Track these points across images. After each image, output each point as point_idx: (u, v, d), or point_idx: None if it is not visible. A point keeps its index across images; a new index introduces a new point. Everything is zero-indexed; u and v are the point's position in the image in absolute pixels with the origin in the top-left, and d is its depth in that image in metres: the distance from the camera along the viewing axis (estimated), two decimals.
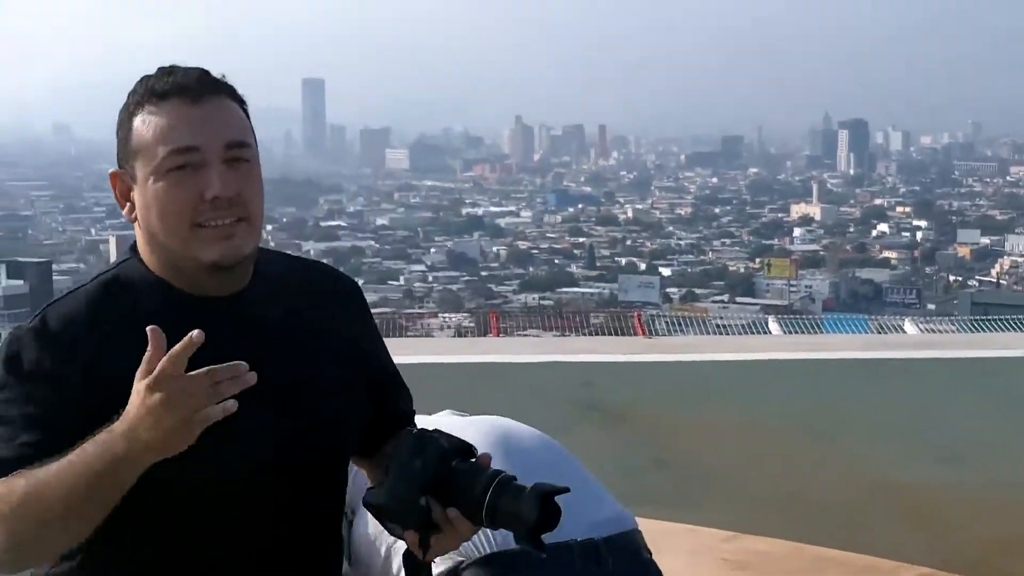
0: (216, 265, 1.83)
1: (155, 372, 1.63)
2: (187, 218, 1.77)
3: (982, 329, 13.80)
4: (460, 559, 2.58)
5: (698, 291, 67.25)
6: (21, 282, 54.79)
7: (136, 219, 1.87)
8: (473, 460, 1.87)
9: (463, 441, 1.90)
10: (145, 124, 1.83)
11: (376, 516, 1.93)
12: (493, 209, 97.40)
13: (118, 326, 1.72)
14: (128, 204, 1.88)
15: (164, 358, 1.63)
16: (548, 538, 2.58)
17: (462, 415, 3.13)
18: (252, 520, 1.90)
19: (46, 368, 1.80)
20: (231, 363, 1.67)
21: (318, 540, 2.00)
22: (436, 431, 1.92)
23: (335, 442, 1.98)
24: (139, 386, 1.65)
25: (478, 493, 1.82)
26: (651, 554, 2.71)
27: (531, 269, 76.10)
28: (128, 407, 1.66)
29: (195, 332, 1.64)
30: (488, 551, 2.57)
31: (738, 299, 64.13)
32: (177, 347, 1.64)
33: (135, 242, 1.94)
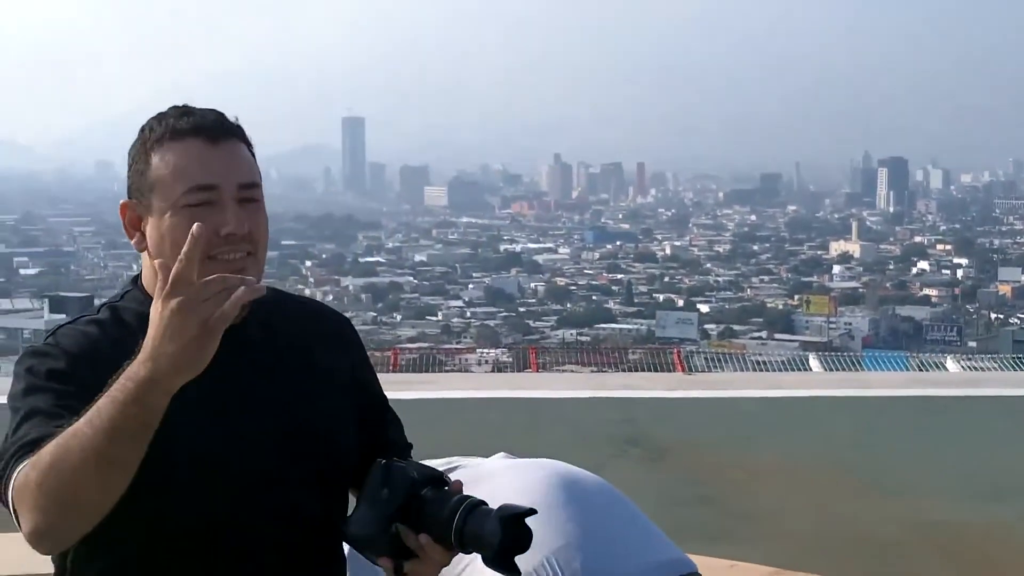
0: None
1: (171, 275, 1.67)
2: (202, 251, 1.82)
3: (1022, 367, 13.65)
4: None
5: (736, 327, 66.85)
6: (64, 316, 55.01)
7: (146, 249, 1.96)
8: (446, 488, 1.93)
9: (434, 470, 1.96)
10: (164, 161, 1.92)
11: (351, 544, 2.00)
12: (531, 246, 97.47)
13: (124, 352, 1.75)
14: (138, 234, 1.97)
15: (177, 261, 1.67)
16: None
17: (513, 458, 3.14)
18: (253, 532, 1.95)
19: (67, 372, 1.87)
20: (240, 276, 1.73)
21: (316, 555, 2.05)
22: (408, 461, 2.01)
23: (334, 458, 2.04)
24: (156, 303, 1.69)
25: (446, 518, 1.87)
26: None
27: (568, 305, 75.99)
28: (148, 332, 1.69)
29: (196, 226, 1.70)
30: None
31: (777, 335, 63.75)
32: (186, 247, 1.68)
33: (137, 274, 2.04)
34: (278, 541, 1.98)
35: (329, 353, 2.10)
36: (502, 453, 3.11)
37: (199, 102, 1.99)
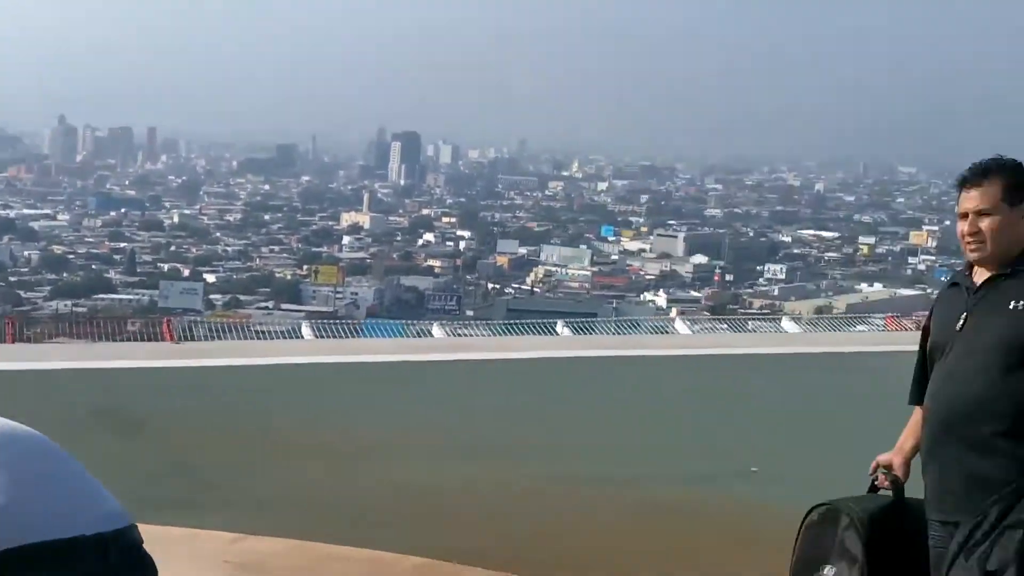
0: None
1: None
2: None
3: (512, 333, 14.51)
4: None
5: (243, 298, 66.66)
6: None
7: None
8: None
9: None
10: None
11: None
12: (27, 212, 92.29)
13: None
14: None
15: None
16: (58, 533, 2.55)
17: None
18: None
19: None
20: None
21: None
22: None
23: None
24: None
25: None
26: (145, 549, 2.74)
27: (65, 275, 72.75)
28: None
29: None
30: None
31: (284, 305, 64.21)
32: None
33: None
34: None
35: None
36: None
37: None
